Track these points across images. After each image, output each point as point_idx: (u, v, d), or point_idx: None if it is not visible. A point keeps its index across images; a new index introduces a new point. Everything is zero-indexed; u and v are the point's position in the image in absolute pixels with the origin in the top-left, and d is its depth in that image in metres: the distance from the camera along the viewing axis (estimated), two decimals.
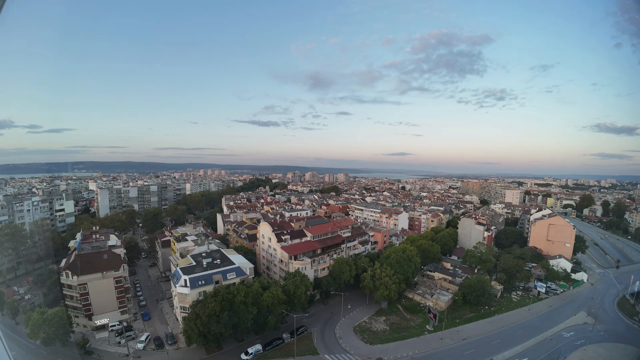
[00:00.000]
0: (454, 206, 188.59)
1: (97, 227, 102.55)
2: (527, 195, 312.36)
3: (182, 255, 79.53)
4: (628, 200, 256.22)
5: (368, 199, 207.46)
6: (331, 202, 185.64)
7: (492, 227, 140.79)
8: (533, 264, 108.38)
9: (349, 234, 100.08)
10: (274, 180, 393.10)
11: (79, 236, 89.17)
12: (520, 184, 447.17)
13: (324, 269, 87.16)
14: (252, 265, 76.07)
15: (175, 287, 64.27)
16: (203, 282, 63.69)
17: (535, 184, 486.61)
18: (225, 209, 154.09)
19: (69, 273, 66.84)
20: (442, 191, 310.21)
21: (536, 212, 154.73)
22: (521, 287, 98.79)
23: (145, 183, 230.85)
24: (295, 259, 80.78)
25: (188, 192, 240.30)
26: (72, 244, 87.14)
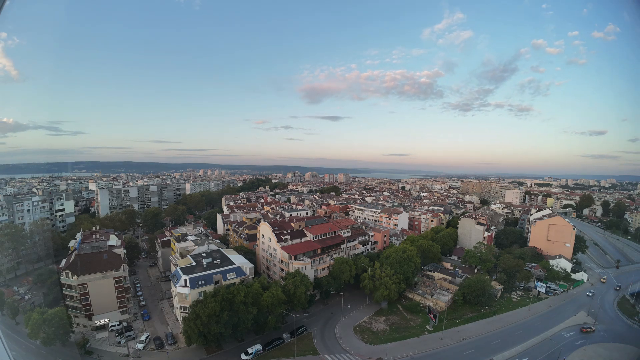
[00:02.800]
0: (454, 206, 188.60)
1: (97, 227, 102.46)
2: (527, 195, 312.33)
3: (182, 255, 79.53)
4: (628, 200, 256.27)
5: (368, 199, 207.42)
6: (331, 202, 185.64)
7: (492, 227, 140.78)
8: (533, 264, 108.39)
9: (349, 234, 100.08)
10: (274, 180, 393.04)
11: (79, 236, 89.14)
12: (520, 184, 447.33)
13: (324, 269, 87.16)
14: (252, 265, 76.08)
15: (175, 287, 64.26)
16: (203, 282, 63.68)
17: (535, 184, 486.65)
18: (225, 209, 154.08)
19: (69, 273, 66.83)
20: (442, 191, 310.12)
21: (536, 212, 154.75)
22: (521, 287, 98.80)
23: (145, 183, 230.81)
24: (295, 259, 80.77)
25: (188, 192, 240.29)
26: (72, 244, 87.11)
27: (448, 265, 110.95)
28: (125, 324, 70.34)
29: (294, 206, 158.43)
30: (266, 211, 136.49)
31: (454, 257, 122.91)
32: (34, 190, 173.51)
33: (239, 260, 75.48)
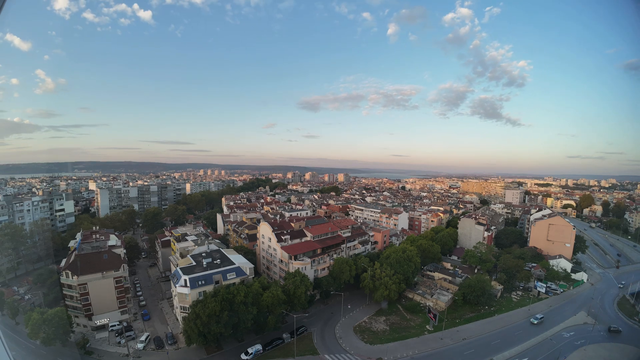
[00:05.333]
0: (454, 206, 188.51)
1: (97, 227, 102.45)
2: (527, 195, 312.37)
3: (182, 255, 79.54)
4: (628, 201, 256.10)
5: (368, 199, 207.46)
6: (331, 202, 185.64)
7: (492, 227, 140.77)
8: (533, 264, 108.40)
9: (349, 234, 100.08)
10: (274, 181, 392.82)
11: (79, 236, 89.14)
12: (520, 184, 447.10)
13: (324, 269, 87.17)
14: (252, 265, 76.05)
15: (175, 287, 64.27)
16: (203, 282, 63.69)
17: (535, 184, 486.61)
18: (225, 209, 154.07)
19: (69, 273, 66.83)
20: (442, 191, 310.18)
21: (536, 212, 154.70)
22: (521, 287, 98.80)
23: (145, 183, 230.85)
24: (295, 259, 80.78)
25: (188, 192, 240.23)
26: (72, 244, 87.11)
27: (448, 265, 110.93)
28: (125, 324, 70.31)
29: (294, 206, 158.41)
30: (266, 211, 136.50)
31: (454, 257, 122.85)
32: (34, 190, 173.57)
33: (239, 260, 75.46)
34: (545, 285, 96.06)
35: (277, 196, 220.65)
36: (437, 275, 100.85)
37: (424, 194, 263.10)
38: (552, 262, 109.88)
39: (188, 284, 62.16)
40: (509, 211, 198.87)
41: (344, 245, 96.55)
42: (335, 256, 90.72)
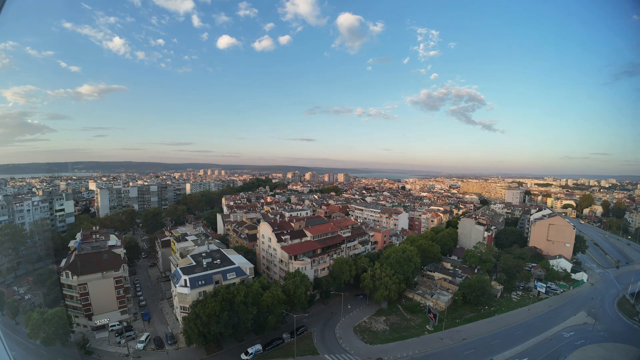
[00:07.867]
0: (454, 206, 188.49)
1: (97, 227, 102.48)
2: (527, 195, 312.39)
3: (182, 255, 79.53)
4: (628, 201, 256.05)
5: (368, 199, 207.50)
6: (331, 202, 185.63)
7: (492, 227, 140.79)
8: (533, 264, 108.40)
9: (349, 234, 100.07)
10: (274, 181, 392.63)
11: (79, 236, 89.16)
12: (520, 184, 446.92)
13: (324, 269, 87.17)
14: (252, 265, 76.07)
15: (175, 287, 64.28)
16: (203, 282, 63.71)
17: (535, 184, 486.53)
18: (225, 209, 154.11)
19: (69, 273, 66.83)
20: (442, 191, 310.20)
21: (536, 212, 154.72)
22: (521, 287, 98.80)
23: (145, 183, 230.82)
24: (295, 259, 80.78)
25: (188, 192, 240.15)
26: (72, 244, 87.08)
27: (448, 265, 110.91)
28: (125, 324, 70.32)
29: (294, 206, 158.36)
30: (266, 211, 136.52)
31: (454, 257, 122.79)
32: (34, 190, 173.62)
33: (239, 260, 75.49)
34: (545, 285, 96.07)
35: (277, 196, 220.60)
36: (437, 275, 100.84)
37: (424, 194, 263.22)
38: (552, 262, 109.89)
39: (188, 284, 62.17)
40: (509, 211, 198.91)
41: (344, 245, 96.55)
42: (335, 256, 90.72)
